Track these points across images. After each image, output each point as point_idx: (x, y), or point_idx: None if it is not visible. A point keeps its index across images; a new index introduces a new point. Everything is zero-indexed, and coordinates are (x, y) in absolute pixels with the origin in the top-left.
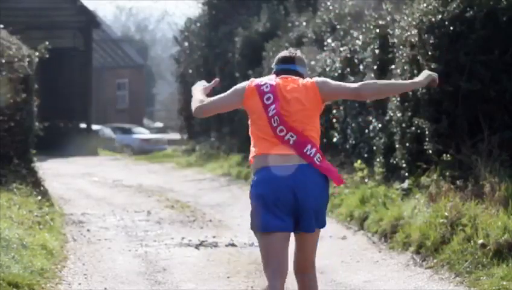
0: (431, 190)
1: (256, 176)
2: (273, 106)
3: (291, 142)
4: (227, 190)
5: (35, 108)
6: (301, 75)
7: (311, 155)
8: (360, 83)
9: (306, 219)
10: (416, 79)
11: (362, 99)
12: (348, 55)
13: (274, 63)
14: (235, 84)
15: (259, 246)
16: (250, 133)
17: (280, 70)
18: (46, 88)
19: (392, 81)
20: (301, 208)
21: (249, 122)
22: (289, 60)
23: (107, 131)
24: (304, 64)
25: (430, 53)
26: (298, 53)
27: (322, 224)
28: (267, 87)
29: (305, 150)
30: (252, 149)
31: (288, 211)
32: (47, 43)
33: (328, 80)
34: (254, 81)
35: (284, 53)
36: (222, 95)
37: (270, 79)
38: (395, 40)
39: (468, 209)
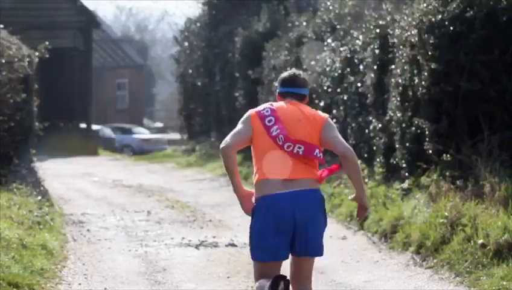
0: (431, 190)
1: (257, 203)
2: (275, 127)
3: (300, 153)
4: (227, 190)
5: (35, 108)
6: (305, 97)
7: (320, 157)
8: (351, 151)
9: (305, 243)
10: (365, 196)
11: (340, 159)
12: (348, 55)
13: (278, 84)
14: (235, 84)
15: (253, 265)
16: (253, 158)
17: (285, 93)
18: (46, 88)
19: (361, 177)
20: (301, 232)
21: (252, 149)
22: (293, 83)
23: (107, 131)
24: (307, 85)
25: (430, 53)
26: (302, 74)
27: (320, 243)
28: (267, 111)
29: (315, 153)
30: (254, 174)
31: (287, 238)
32: (47, 43)
33: (335, 127)
34: (254, 109)
35: (288, 75)
36: (236, 130)
37: (271, 104)
38: (395, 40)
39: (468, 209)
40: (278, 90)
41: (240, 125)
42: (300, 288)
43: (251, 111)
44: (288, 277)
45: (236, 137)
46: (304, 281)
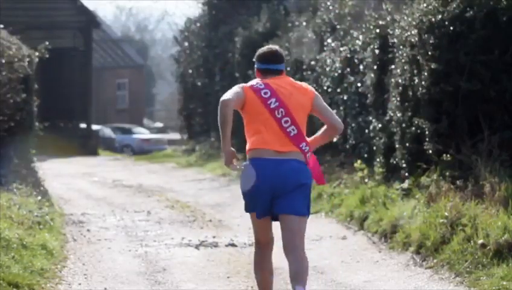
0: (431, 190)
1: (250, 163)
2: (273, 99)
3: (292, 134)
4: (227, 190)
5: (35, 108)
6: (282, 71)
7: (306, 151)
8: (342, 125)
9: (294, 202)
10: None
11: (328, 126)
12: (348, 55)
13: (256, 60)
14: (235, 84)
15: (251, 219)
16: (246, 131)
17: (265, 70)
18: (46, 88)
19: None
20: (289, 192)
21: (245, 122)
22: (273, 60)
23: (107, 131)
24: (284, 60)
25: (430, 53)
26: (278, 49)
27: (307, 211)
28: (260, 85)
29: (301, 145)
30: (248, 143)
31: (271, 196)
32: (47, 43)
33: (321, 97)
34: (244, 84)
35: (267, 51)
36: (233, 91)
37: (261, 80)
38: (395, 40)
39: (468, 209)
40: (256, 67)
41: (236, 88)
42: (292, 260)
43: (242, 84)
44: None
45: (235, 96)
46: (296, 241)
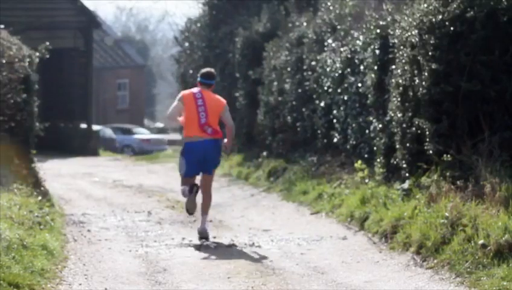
0: (431, 190)
1: (186, 145)
2: (200, 100)
3: (202, 121)
4: (227, 190)
5: (35, 108)
6: (212, 85)
7: (207, 131)
8: (233, 126)
9: (208, 166)
10: (231, 143)
11: (226, 128)
12: (349, 56)
13: (199, 76)
14: (236, 84)
15: (180, 178)
16: (184, 118)
17: (202, 83)
18: (47, 88)
19: (233, 136)
20: (206, 161)
21: (184, 114)
22: (208, 77)
23: (108, 131)
24: (215, 78)
25: (430, 53)
26: (213, 71)
27: (216, 166)
28: (199, 93)
29: (204, 128)
30: (184, 129)
31: (199, 163)
32: (47, 43)
33: (228, 109)
34: (189, 91)
35: (206, 71)
36: (174, 105)
37: (199, 90)
38: (396, 41)
39: (469, 210)
40: (198, 80)
41: (175, 103)
42: (204, 191)
43: (183, 92)
44: (198, 185)
45: (175, 110)
46: (207, 188)
